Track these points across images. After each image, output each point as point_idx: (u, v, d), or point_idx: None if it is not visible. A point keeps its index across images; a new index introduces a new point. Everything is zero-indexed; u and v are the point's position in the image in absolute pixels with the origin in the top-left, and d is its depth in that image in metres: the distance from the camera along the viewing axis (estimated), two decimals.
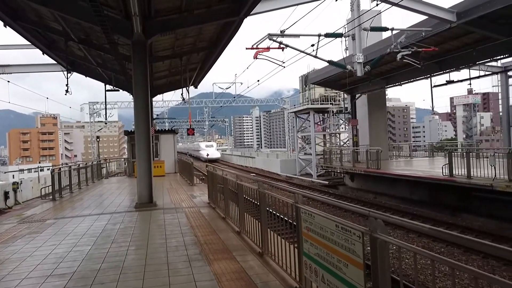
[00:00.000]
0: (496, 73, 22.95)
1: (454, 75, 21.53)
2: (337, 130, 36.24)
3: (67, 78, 15.52)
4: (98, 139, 41.69)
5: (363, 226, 2.83)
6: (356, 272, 2.85)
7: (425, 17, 14.97)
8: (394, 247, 2.78)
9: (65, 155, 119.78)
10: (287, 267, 4.45)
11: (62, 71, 16.32)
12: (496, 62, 20.22)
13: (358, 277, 2.83)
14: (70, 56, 15.16)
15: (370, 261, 2.81)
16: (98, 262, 5.55)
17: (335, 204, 3.59)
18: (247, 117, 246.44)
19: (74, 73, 17.52)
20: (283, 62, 16.60)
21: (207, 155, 56.81)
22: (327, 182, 26.68)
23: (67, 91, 15.00)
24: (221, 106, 55.00)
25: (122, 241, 6.81)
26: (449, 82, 21.34)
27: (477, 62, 18.33)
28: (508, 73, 22.83)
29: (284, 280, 4.48)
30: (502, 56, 17.35)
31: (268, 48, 15.24)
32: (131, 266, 5.35)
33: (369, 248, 2.76)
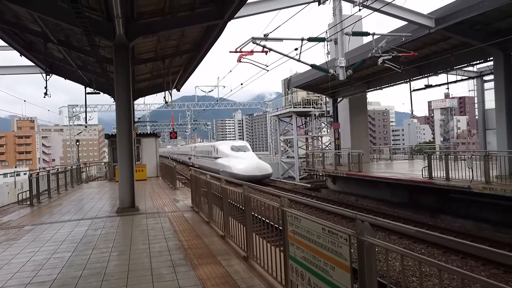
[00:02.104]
0: (472, 77, 23.58)
1: (433, 80, 22.07)
2: (319, 133, 36.56)
3: (46, 80, 15.16)
4: (77, 143, 40.89)
5: (349, 229, 2.86)
6: (343, 275, 2.87)
7: (405, 22, 15.31)
8: (377, 249, 2.80)
9: (43, 159, 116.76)
10: (272, 271, 4.44)
11: (41, 73, 15.93)
12: (472, 67, 20.79)
13: (345, 280, 2.84)
14: (49, 58, 14.80)
15: (355, 264, 2.83)
16: (79, 269, 5.42)
17: (321, 207, 3.61)
18: (230, 120, 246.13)
19: (53, 76, 17.13)
20: (267, 66, 16.67)
21: (240, 170, 27.81)
22: (309, 185, 26.86)
23: (46, 93, 14.65)
24: (203, 110, 54.69)
25: (104, 247, 6.67)
26: (428, 86, 21.82)
27: (454, 67, 18.82)
28: (484, 77, 23.49)
29: (270, 284, 4.47)
30: (478, 61, 17.86)
31: (251, 52, 15.28)
32: (114, 272, 5.24)
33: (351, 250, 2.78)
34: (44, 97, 14.87)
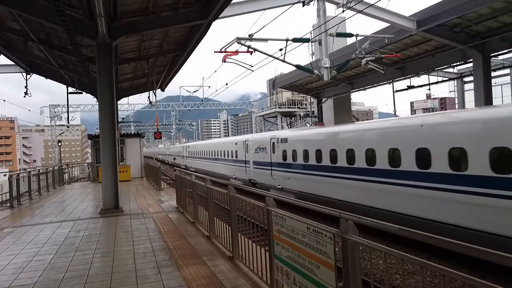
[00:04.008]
0: (453, 79, 24.12)
1: (415, 81, 22.51)
2: None
3: (26, 80, 14.84)
4: (59, 143, 40.12)
5: (333, 228, 2.89)
6: (328, 273, 2.90)
7: (388, 24, 15.54)
8: (361, 248, 2.84)
9: (24, 160, 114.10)
10: (258, 270, 4.46)
11: (21, 72, 15.58)
12: (452, 69, 21.28)
13: (330, 278, 2.87)
14: (29, 57, 14.49)
15: (340, 263, 2.86)
16: (61, 272, 5.33)
17: (305, 206, 3.63)
18: (215, 120, 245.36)
19: (33, 75, 16.76)
20: (252, 66, 16.67)
21: None
22: None
23: (26, 93, 14.34)
24: (188, 110, 54.36)
25: (87, 248, 6.57)
26: (410, 87, 22.25)
27: (436, 68, 19.21)
28: (464, 79, 24.05)
29: (255, 284, 4.48)
30: (458, 63, 18.27)
31: (236, 52, 15.26)
32: (97, 274, 5.17)
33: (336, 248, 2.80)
34: (25, 96, 14.57)
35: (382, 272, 9.01)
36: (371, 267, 4.20)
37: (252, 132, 57.34)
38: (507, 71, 21.23)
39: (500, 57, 17.91)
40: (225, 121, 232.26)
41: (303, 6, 14.83)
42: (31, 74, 15.83)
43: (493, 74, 17.63)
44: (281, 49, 15.24)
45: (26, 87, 14.68)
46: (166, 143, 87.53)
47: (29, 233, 8.10)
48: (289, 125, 35.44)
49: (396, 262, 9.16)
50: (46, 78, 18.04)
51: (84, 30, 10.07)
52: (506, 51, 15.59)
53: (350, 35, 16.38)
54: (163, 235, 7.32)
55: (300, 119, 34.08)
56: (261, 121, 38.27)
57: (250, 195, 5.22)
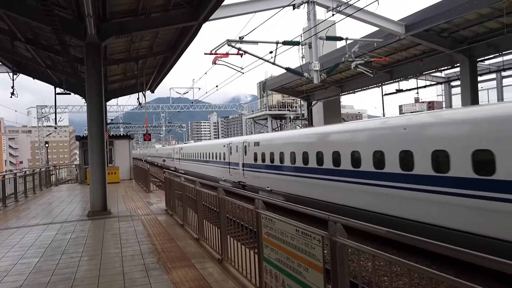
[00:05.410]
0: (441, 83, 24.46)
1: (403, 84, 22.77)
2: None
3: (13, 80, 14.63)
4: (46, 145, 39.58)
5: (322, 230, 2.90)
6: (316, 276, 2.91)
7: (377, 28, 15.71)
8: (350, 250, 2.85)
9: (10, 161, 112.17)
10: (247, 273, 4.45)
11: (7, 72, 15.35)
12: (440, 73, 21.59)
13: (318, 281, 2.88)
14: (16, 57, 14.29)
15: (328, 265, 2.87)
16: (47, 275, 5.25)
17: (294, 209, 3.64)
18: (205, 122, 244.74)
19: (20, 75, 16.53)
20: (242, 68, 16.68)
21: None
22: None
23: (12, 93, 14.13)
24: (178, 111, 54.08)
25: (74, 251, 6.49)
26: (399, 90, 22.49)
27: (424, 72, 19.47)
28: (451, 83, 24.41)
29: (244, 286, 4.47)
30: (446, 67, 18.54)
31: (227, 54, 15.25)
32: (84, 277, 5.11)
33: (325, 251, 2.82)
34: (11, 97, 14.35)
35: (370, 274, 9.06)
36: (359, 269, 4.23)
37: (243, 135, 50.29)
38: (493, 75, 21.62)
39: (487, 62, 18.24)
40: (215, 123, 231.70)
41: (293, 9, 14.91)
42: (18, 74, 15.62)
43: (479, 78, 17.93)
44: (271, 52, 15.28)
45: (12, 87, 14.48)
46: (166, 143, 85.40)
47: (15, 235, 7.96)
48: (279, 127, 35.52)
49: (384, 264, 9.22)
50: (34, 79, 17.80)
51: (73, 30, 9.97)
52: (492, 56, 15.89)
53: (340, 38, 16.51)
54: (151, 237, 7.26)
55: (290, 121, 34.22)
56: (251, 123, 38.30)
57: (239, 197, 5.21)
